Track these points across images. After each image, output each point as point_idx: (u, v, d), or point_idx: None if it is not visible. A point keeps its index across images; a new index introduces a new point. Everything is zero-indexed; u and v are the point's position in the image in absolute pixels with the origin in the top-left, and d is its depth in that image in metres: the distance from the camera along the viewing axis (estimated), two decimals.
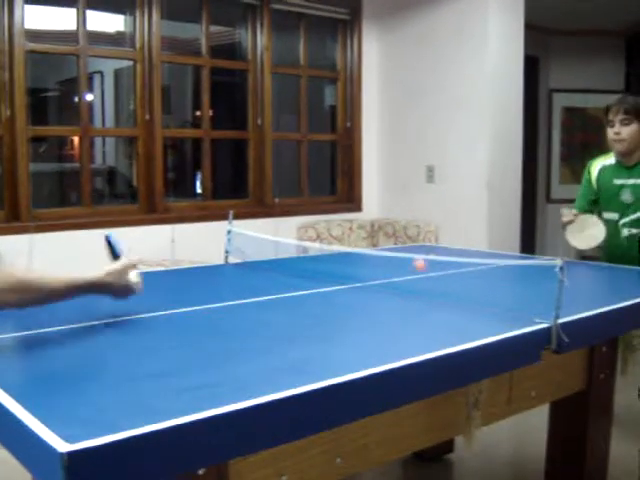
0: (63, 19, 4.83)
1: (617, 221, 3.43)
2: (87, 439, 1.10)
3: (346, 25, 5.72)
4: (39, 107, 7.72)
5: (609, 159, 3.53)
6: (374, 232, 5.63)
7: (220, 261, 3.13)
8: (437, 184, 5.44)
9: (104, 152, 8.52)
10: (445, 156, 5.36)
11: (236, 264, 3.11)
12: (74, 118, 4.70)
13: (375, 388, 1.51)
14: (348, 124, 5.80)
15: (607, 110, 3.42)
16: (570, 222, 3.38)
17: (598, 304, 2.19)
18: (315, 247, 3.94)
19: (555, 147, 7.57)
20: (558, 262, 1.88)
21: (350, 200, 5.84)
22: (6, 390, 1.34)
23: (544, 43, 7.31)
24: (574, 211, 3.43)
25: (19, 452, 1.24)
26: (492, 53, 5.07)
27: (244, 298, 2.32)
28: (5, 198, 4.21)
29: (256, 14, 5.23)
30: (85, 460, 1.09)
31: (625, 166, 3.42)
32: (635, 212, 3.37)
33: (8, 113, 4.15)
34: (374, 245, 5.55)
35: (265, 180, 5.32)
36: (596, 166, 3.57)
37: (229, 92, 6.37)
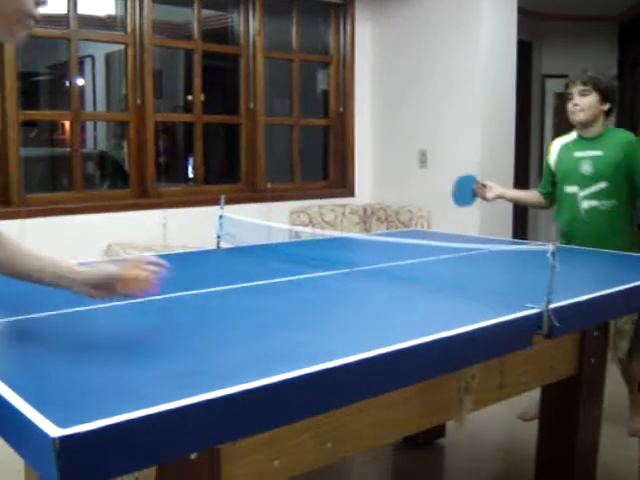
0: (54, 2, 4.78)
1: (576, 194, 3.43)
2: (79, 424, 1.09)
3: (339, 9, 5.70)
4: (30, 91, 7.67)
5: (569, 137, 3.57)
6: (366, 217, 5.63)
7: (212, 246, 3.12)
8: (429, 169, 5.44)
9: (95, 137, 8.49)
10: (438, 141, 5.36)
11: (228, 249, 3.10)
12: (65, 102, 4.68)
13: (366, 373, 1.51)
14: (341, 109, 5.79)
15: (567, 85, 3.46)
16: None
17: (590, 289, 2.19)
18: (307, 232, 3.94)
19: (547, 132, 7.56)
20: (550, 247, 1.88)
21: (342, 185, 5.83)
22: None
23: (537, 28, 7.29)
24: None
25: (10, 437, 1.24)
26: (485, 38, 5.06)
27: (235, 283, 2.32)
28: None
29: None
30: (77, 445, 1.08)
31: (585, 139, 3.45)
32: (595, 184, 3.37)
33: None
34: (366, 230, 5.55)
35: (257, 165, 5.31)
36: (556, 146, 3.62)
37: (221, 76, 6.35)
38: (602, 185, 3.35)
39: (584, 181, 3.40)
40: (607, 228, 3.36)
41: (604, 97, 3.37)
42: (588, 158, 3.40)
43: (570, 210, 3.45)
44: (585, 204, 3.40)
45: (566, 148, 3.53)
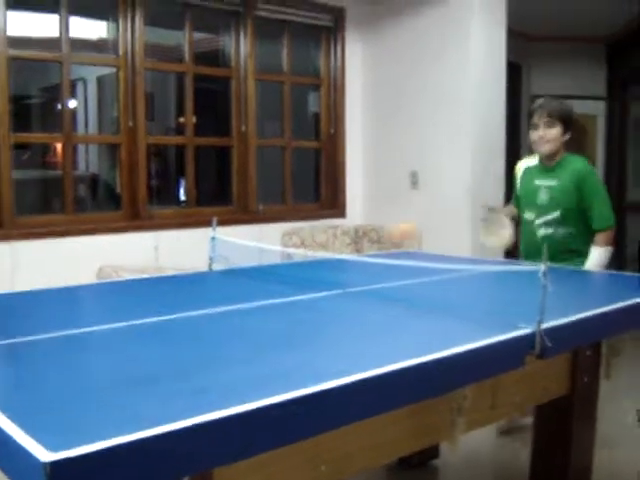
0: (46, 25, 4.80)
1: (533, 221, 3.50)
2: (70, 448, 1.09)
3: (329, 32, 5.73)
4: (22, 114, 7.66)
5: (533, 160, 3.64)
6: (358, 238, 5.63)
7: (204, 268, 3.12)
8: (421, 190, 5.45)
9: (87, 159, 8.48)
10: (429, 162, 5.38)
11: (220, 271, 3.10)
12: (57, 125, 4.68)
13: (359, 395, 1.51)
14: (332, 131, 5.81)
15: (531, 114, 3.52)
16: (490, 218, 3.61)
17: (582, 309, 2.20)
18: (299, 253, 3.94)
19: None
20: (541, 267, 1.89)
21: (334, 206, 5.84)
22: None
23: (526, 50, 7.35)
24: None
25: (1, 460, 1.23)
26: (475, 60, 5.09)
27: (228, 305, 2.31)
28: None
29: (239, 21, 5.23)
30: (68, 470, 1.08)
31: (545, 167, 3.52)
32: (549, 213, 3.44)
33: None
34: (358, 251, 5.55)
35: (249, 187, 5.31)
36: (521, 167, 3.70)
37: (213, 99, 6.36)
38: (556, 214, 3.42)
39: (540, 209, 3.48)
40: (561, 256, 3.34)
41: (566, 127, 3.45)
42: (545, 187, 3.48)
43: (528, 235, 3.55)
44: (542, 231, 3.48)
45: (529, 173, 3.62)
